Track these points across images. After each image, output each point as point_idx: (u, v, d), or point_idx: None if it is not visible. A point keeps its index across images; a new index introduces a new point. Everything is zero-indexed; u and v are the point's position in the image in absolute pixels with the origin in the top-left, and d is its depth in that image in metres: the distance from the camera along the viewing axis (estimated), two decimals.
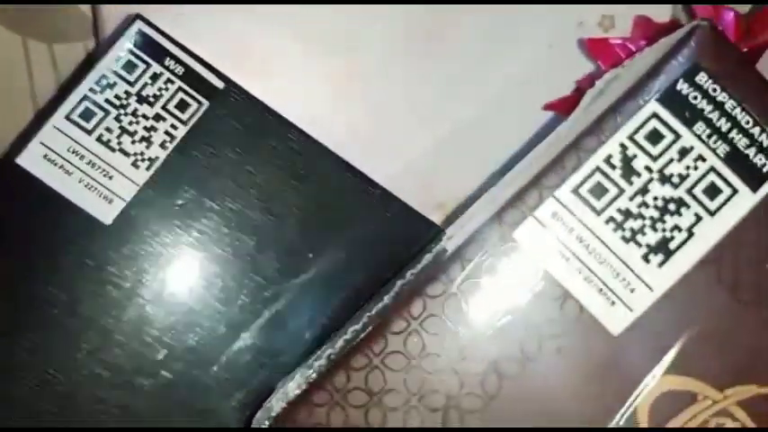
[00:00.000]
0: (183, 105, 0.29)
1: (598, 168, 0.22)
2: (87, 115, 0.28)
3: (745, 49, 0.30)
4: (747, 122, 0.22)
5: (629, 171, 0.22)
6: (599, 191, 0.22)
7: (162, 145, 0.29)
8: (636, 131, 0.22)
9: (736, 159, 0.22)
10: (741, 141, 0.22)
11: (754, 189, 0.22)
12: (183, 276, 0.29)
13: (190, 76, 0.29)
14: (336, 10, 0.33)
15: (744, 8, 0.30)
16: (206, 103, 0.29)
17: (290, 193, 0.30)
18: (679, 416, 0.22)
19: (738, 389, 0.22)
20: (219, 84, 0.29)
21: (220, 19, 0.32)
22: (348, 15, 0.32)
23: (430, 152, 0.33)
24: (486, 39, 0.32)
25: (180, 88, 0.29)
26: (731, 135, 0.22)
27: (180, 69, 0.29)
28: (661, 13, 0.30)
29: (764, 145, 0.22)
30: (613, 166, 0.22)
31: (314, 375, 0.22)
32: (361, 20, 0.33)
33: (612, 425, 0.22)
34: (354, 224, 0.31)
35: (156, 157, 0.29)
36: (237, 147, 0.30)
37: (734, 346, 0.22)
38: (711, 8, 0.29)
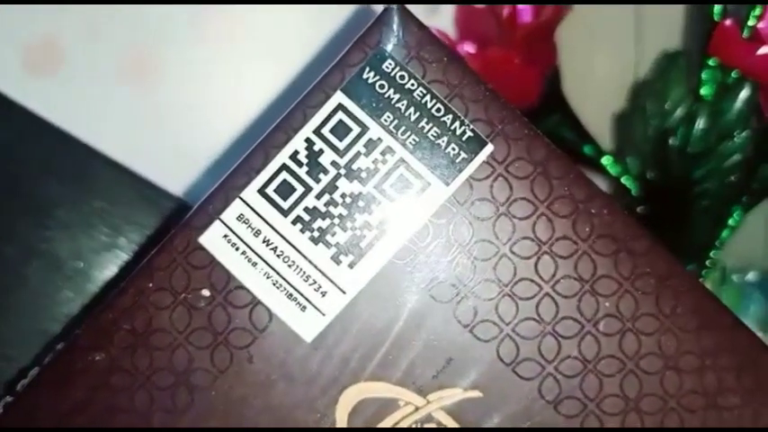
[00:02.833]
0: None
1: (285, 166, 0.20)
2: None
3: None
4: (438, 110, 0.20)
5: (316, 167, 0.20)
6: (286, 190, 0.20)
7: None
8: (322, 125, 0.20)
9: (426, 151, 0.20)
10: (432, 131, 0.20)
11: (447, 182, 0.20)
12: None
13: None
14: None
15: None
16: None
17: (59, 204, 0.29)
18: (381, 423, 0.21)
19: (442, 393, 0.21)
20: None
21: None
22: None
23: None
24: None
25: None
26: (421, 125, 0.20)
27: None
28: None
29: (457, 133, 0.20)
30: (300, 163, 0.20)
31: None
32: (147, 16, 0.32)
33: None
34: (131, 228, 0.30)
35: None
36: None
37: (436, 348, 0.20)
38: None
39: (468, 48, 0.32)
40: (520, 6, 0.31)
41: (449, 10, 0.34)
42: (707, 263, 0.33)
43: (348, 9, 0.32)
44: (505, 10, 0.31)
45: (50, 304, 0.29)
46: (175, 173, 0.32)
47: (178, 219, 0.30)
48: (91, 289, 0.30)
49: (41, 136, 0.30)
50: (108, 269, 0.30)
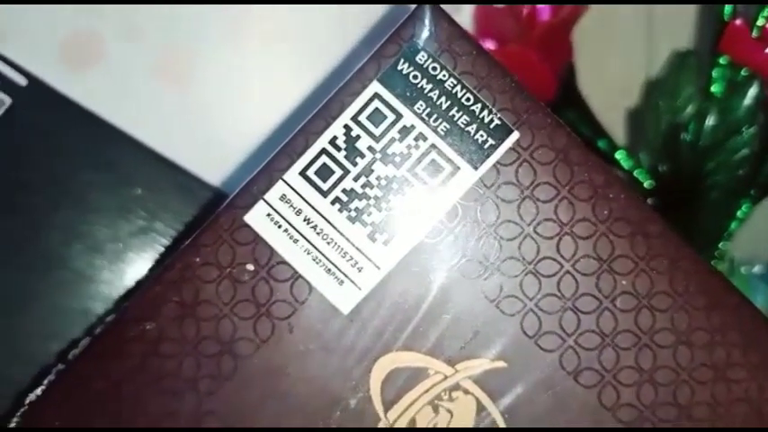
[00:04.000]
0: None
1: (324, 150, 0.22)
2: None
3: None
4: (468, 100, 0.22)
5: (353, 152, 0.22)
6: (325, 172, 0.22)
7: None
8: (359, 112, 0.22)
9: (456, 137, 0.22)
10: (461, 119, 0.22)
11: (476, 166, 0.22)
12: None
13: None
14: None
15: None
16: (8, 101, 0.30)
17: (100, 190, 0.31)
18: (412, 390, 0.22)
19: (469, 363, 0.22)
20: (22, 81, 0.30)
21: (33, 13, 0.32)
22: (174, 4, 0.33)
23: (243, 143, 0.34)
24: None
25: None
26: (452, 113, 0.22)
27: None
28: None
29: (485, 121, 0.22)
30: (338, 148, 0.22)
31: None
32: (184, 14, 0.33)
33: (346, 401, 0.22)
34: (167, 214, 0.31)
35: None
36: (42, 144, 0.30)
37: (463, 321, 0.22)
38: None
39: (487, 45, 0.33)
40: (539, 6, 0.32)
41: (469, 10, 0.36)
42: (715, 254, 0.34)
43: (376, 10, 0.34)
44: (525, 9, 0.32)
45: (91, 284, 0.30)
46: (209, 163, 0.33)
47: (211, 205, 0.32)
48: (129, 270, 0.31)
49: (83, 125, 0.31)
50: (145, 252, 0.31)
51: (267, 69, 0.33)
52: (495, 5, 0.35)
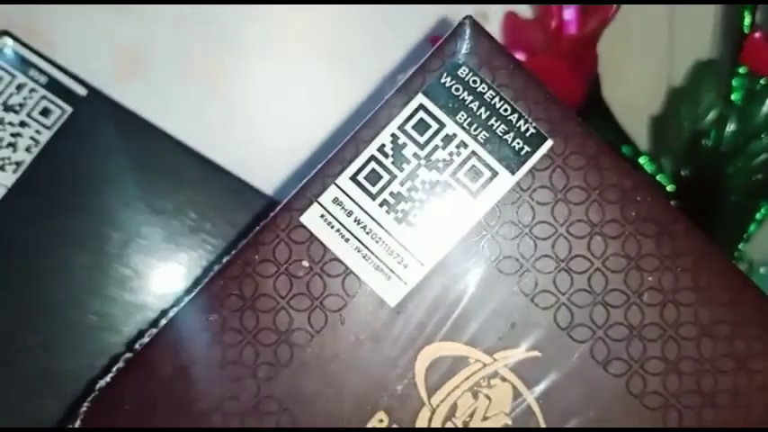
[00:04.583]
0: (46, 112, 0.32)
1: (373, 157, 0.24)
2: None
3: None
4: (506, 110, 0.24)
5: (400, 158, 0.24)
6: (374, 177, 0.24)
7: (27, 149, 0.31)
8: (405, 122, 0.24)
9: (495, 144, 0.24)
10: (500, 128, 0.24)
11: (513, 171, 0.24)
12: (48, 276, 0.31)
13: (53, 85, 0.32)
14: (209, 9, 0.35)
15: None
16: (69, 110, 0.32)
17: (154, 193, 0.33)
18: (453, 378, 0.24)
19: (507, 353, 0.24)
20: (82, 91, 0.32)
21: (88, 25, 0.35)
22: (221, 14, 0.35)
23: (293, 148, 0.36)
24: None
25: (43, 96, 0.32)
26: (491, 122, 0.24)
27: (43, 79, 0.32)
28: None
29: (522, 130, 0.24)
30: (386, 155, 0.24)
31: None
32: (232, 21, 0.35)
33: (393, 387, 0.24)
34: (214, 215, 0.33)
35: (23, 161, 0.31)
36: (101, 150, 0.32)
37: (501, 314, 0.24)
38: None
39: (516, 56, 0.35)
40: (566, 19, 0.34)
41: (497, 20, 0.38)
42: (735, 255, 0.36)
43: (414, 15, 0.36)
44: (553, 22, 0.34)
45: (148, 281, 0.33)
46: (252, 167, 0.35)
47: (254, 205, 0.33)
48: (181, 268, 0.33)
49: (138, 132, 0.34)
50: (195, 251, 0.33)
51: (306, 79, 0.35)
52: (522, 18, 0.37)
